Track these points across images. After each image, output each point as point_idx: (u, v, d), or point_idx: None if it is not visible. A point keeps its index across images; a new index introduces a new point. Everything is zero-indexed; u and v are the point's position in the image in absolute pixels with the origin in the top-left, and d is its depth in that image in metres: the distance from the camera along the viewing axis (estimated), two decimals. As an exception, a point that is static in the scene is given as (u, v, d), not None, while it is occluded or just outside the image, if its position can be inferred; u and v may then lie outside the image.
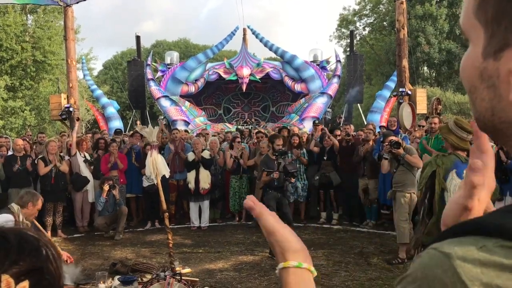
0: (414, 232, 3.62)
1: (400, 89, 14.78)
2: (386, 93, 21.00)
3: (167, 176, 5.13)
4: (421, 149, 7.94)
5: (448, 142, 3.71)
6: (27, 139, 10.16)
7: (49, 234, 8.10)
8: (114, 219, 8.09)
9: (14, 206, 4.46)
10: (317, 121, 12.07)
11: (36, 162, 8.13)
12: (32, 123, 25.44)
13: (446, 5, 29.68)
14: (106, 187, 7.99)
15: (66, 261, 4.87)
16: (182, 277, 4.15)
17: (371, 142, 8.23)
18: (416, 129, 10.41)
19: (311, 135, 9.83)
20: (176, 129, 9.55)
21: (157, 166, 4.89)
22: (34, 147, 9.22)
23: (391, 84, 20.75)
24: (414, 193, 5.95)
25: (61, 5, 14.51)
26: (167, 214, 4.94)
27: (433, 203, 3.54)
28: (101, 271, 5.11)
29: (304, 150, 8.86)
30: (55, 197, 8.02)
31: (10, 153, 8.38)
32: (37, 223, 4.94)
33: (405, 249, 6.09)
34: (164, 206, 4.99)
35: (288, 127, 10.80)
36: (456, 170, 3.52)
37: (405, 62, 15.13)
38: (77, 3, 14.73)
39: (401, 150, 6.04)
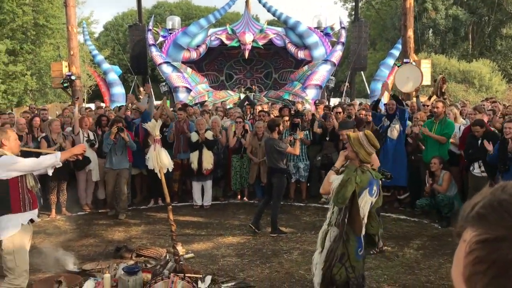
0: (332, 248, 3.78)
1: (405, 60, 14.65)
2: (390, 61, 20.74)
3: (170, 170, 5.16)
4: (423, 136, 7.95)
5: (359, 156, 3.73)
6: (32, 112, 10.14)
7: (53, 212, 8.27)
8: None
9: None
10: (317, 102, 12.01)
11: (39, 140, 8.17)
12: (33, 87, 25.34)
13: (455, -31, 28.96)
14: (114, 130, 7.91)
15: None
16: (186, 275, 4.26)
17: (371, 125, 8.23)
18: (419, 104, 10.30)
19: (314, 114, 9.79)
20: (181, 109, 9.48)
21: (161, 160, 4.94)
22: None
23: (395, 52, 20.46)
24: None
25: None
26: (170, 207, 5.02)
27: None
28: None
29: (307, 130, 8.87)
30: (58, 176, 8.07)
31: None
32: (26, 148, 4.75)
33: None
34: (168, 199, 5.06)
35: (290, 107, 10.71)
36: (369, 188, 3.69)
37: (410, 32, 14.91)
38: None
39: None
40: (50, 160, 4.18)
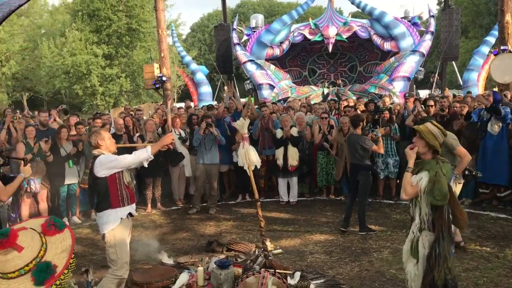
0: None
1: (502, 47, 13.63)
2: (485, 49, 19.42)
3: (258, 167, 5.25)
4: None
5: (434, 148, 3.56)
6: (128, 113, 10.77)
7: (149, 206, 8.75)
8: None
9: (95, 151, 4.46)
10: (407, 94, 11.57)
11: (135, 140, 8.68)
12: (127, 89, 27.03)
13: None
14: (203, 125, 8.24)
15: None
16: (276, 271, 4.32)
17: (461, 119, 7.77)
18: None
19: (404, 108, 9.44)
20: (265, 105, 9.62)
21: (249, 157, 5.05)
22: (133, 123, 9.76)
23: (491, 39, 19.16)
24: None
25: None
26: (259, 203, 5.11)
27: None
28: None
29: (396, 125, 8.58)
30: (154, 173, 8.52)
31: (112, 130, 8.96)
32: (122, 145, 5.01)
33: None
34: (257, 195, 5.15)
35: (376, 101, 10.41)
36: (452, 179, 3.61)
37: (508, 17, 13.83)
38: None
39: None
40: (142, 155, 4.43)
